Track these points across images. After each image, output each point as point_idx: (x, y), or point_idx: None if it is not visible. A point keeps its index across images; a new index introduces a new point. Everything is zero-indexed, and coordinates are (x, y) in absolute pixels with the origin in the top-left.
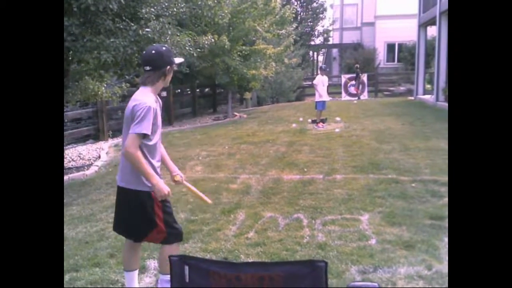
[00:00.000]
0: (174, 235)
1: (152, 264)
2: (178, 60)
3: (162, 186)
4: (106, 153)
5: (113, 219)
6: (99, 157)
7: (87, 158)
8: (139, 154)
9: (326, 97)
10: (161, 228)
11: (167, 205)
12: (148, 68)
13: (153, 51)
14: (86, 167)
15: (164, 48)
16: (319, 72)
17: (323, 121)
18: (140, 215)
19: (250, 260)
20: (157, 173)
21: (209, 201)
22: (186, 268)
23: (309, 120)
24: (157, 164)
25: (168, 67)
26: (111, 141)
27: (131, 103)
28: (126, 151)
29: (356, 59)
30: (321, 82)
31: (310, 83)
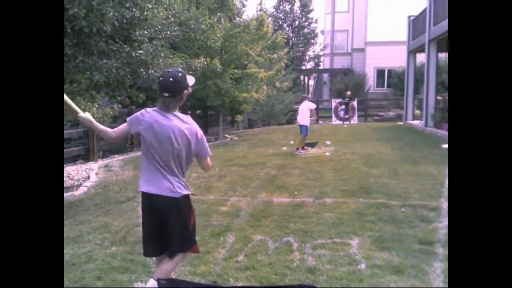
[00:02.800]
0: None
1: (140, 286)
2: (191, 81)
3: None
4: (96, 173)
5: (101, 241)
6: (89, 177)
7: (76, 179)
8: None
9: (301, 122)
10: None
11: None
12: (166, 94)
13: (171, 79)
14: (75, 188)
15: (180, 74)
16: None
17: (311, 145)
18: (188, 223)
19: (240, 284)
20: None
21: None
22: None
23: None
24: None
25: (185, 91)
26: (101, 162)
27: (187, 126)
28: (209, 169)
29: (346, 84)
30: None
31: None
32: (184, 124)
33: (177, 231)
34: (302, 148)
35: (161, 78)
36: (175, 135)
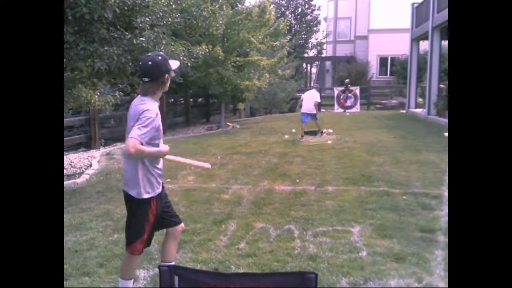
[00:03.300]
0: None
1: (142, 274)
2: (174, 65)
3: (163, 149)
4: (98, 161)
5: (104, 228)
6: (91, 165)
7: (78, 166)
8: (139, 146)
9: (304, 110)
10: (144, 239)
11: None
12: (146, 79)
13: (150, 62)
14: (77, 176)
15: (160, 58)
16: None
17: (313, 133)
18: (133, 221)
19: (241, 271)
20: (158, 181)
21: (207, 165)
22: (176, 278)
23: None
24: (160, 171)
25: (166, 75)
26: (103, 150)
27: (138, 104)
28: (129, 155)
29: (349, 72)
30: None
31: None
32: (140, 105)
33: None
34: (319, 132)
35: (140, 63)
36: (130, 118)
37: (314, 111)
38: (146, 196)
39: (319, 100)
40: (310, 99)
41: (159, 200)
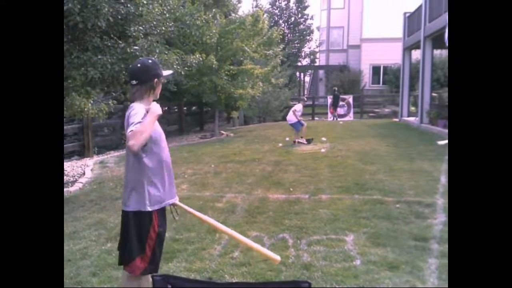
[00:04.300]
0: (150, 269)
1: None
2: (166, 72)
3: (153, 108)
4: (91, 170)
5: (97, 238)
6: (84, 174)
7: (71, 175)
8: (136, 129)
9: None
10: (147, 256)
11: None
12: (134, 82)
13: (139, 65)
14: (70, 184)
15: (150, 61)
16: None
17: (307, 141)
18: (133, 236)
19: (235, 280)
20: (160, 192)
21: (277, 257)
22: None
23: (296, 140)
24: (163, 180)
25: (156, 80)
26: (96, 158)
27: (128, 112)
28: (133, 145)
29: (342, 81)
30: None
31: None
32: (128, 112)
33: (121, 238)
34: (301, 138)
35: (130, 66)
36: (125, 127)
37: (293, 121)
38: (148, 208)
39: (296, 109)
40: (291, 111)
41: (162, 216)
